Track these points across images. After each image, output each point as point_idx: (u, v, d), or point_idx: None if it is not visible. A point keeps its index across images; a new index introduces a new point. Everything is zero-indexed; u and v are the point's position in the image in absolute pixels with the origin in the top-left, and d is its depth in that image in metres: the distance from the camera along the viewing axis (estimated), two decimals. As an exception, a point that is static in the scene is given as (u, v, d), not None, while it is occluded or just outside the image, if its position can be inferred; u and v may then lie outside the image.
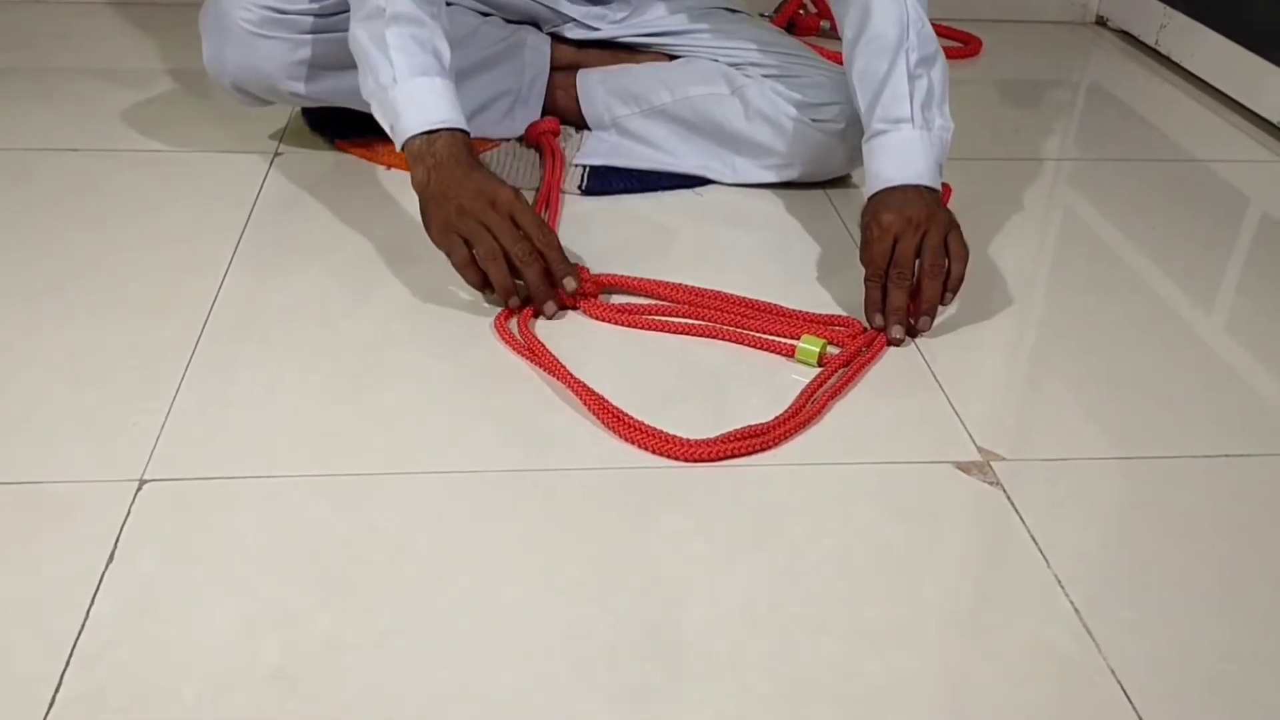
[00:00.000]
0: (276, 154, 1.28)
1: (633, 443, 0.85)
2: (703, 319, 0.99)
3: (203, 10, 1.17)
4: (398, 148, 1.02)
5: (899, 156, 1.03)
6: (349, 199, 1.19)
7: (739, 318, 0.99)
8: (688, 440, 0.85)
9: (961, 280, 1.00)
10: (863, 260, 1.01)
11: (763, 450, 0.85)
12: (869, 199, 1.04)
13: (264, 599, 0.70)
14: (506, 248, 0.96)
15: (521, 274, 0.98)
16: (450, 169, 0.99)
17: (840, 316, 1.01)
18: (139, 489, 0.78)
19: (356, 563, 0.73)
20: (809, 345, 0.94)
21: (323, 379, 0.91)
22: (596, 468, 0.82)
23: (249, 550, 0.73)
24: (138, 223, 1.12)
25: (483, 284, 0.99)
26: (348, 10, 1.17)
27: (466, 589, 0.71)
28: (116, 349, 0.93)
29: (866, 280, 1.00)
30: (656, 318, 0.99)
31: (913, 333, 0.99)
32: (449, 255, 0.98)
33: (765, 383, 0.92)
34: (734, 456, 0.84)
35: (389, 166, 1.25)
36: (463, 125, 1.01)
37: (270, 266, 1.06)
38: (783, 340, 0.97)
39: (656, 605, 0.71)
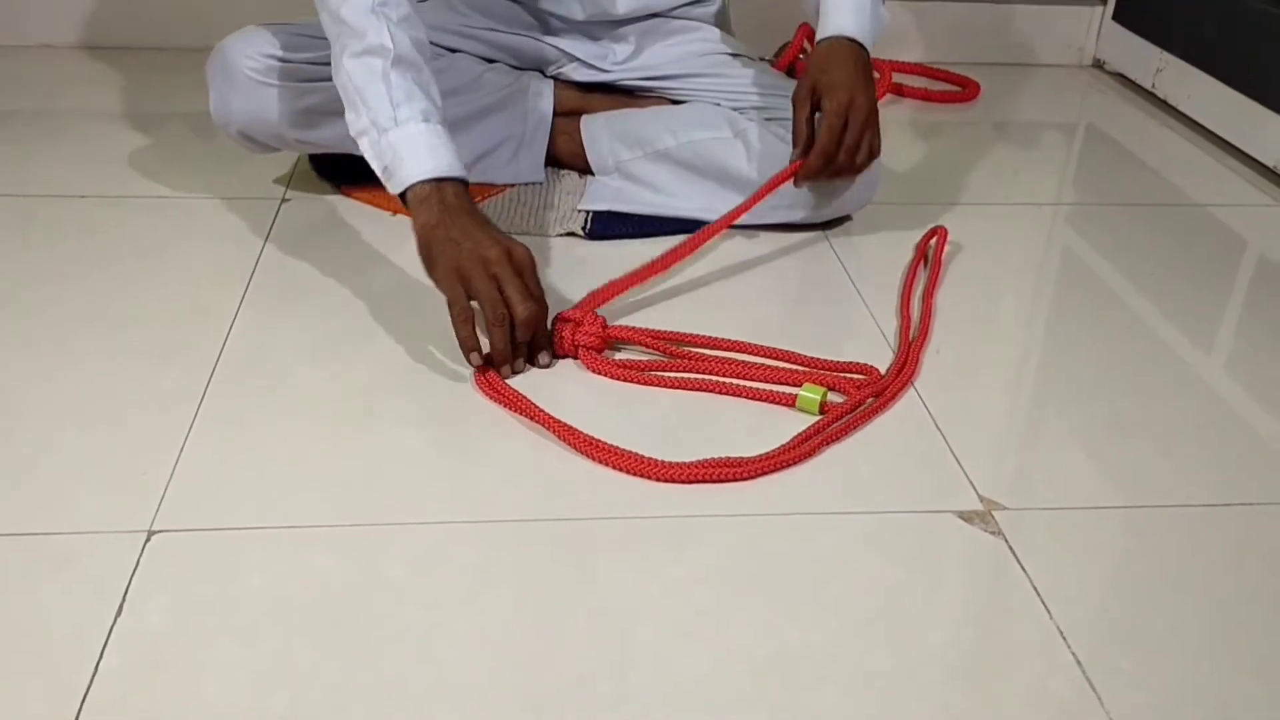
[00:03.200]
0: (284, 199, 1.29)
1: (608, 464, 0.87)
2: (713, 370, 1.00)
3: (208, 60, 1.19)
4: (393, 190, 1.01)
5: (853, 13, 1.19)
6: (356, 245, 1.20)
7: (753, 368, 1.00)
8: (663, 462, 0.87)
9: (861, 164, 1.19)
10: (799, 108, 1.19)
11: (740, 480, 0.87)
12: (820, 44, 1.19)
13: (272, 650, 0.70)
14: (513, 306, 0.96)
15: (514, 336, 0.97)
16: (462, 218, 0.99)
17: (857, 364, 1.02)
18: (148, 540, 0.78)
19: (363, 613, 0.73)
20: (810, 394, 0.95)
21: (330, 427, 0.91)
22: (600, 517, 0.83)
23: (257, 601, 0.74)
24: (145, 269, 1.13)
25: (473, 346, 0.97)
26: None
27: (472, 638, 0.72)
28: (125, 396, 0.93)
29: (823, 129, 1.16)
30: (657, 373, 1.00)
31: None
32: (450, 303, 0.97)
33: (768, 429, 0.93)
34: (709, 481, 0.86)
35: (395, 212, 1.26)
36: (467, 178, 1.02)
37: (278, 312, 1.07)
38: (784, 390, 0.97)
39: (660, 654, 0.71)
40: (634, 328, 1.04)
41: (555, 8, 1.31)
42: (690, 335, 1.04)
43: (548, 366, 1.00)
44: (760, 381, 0.99)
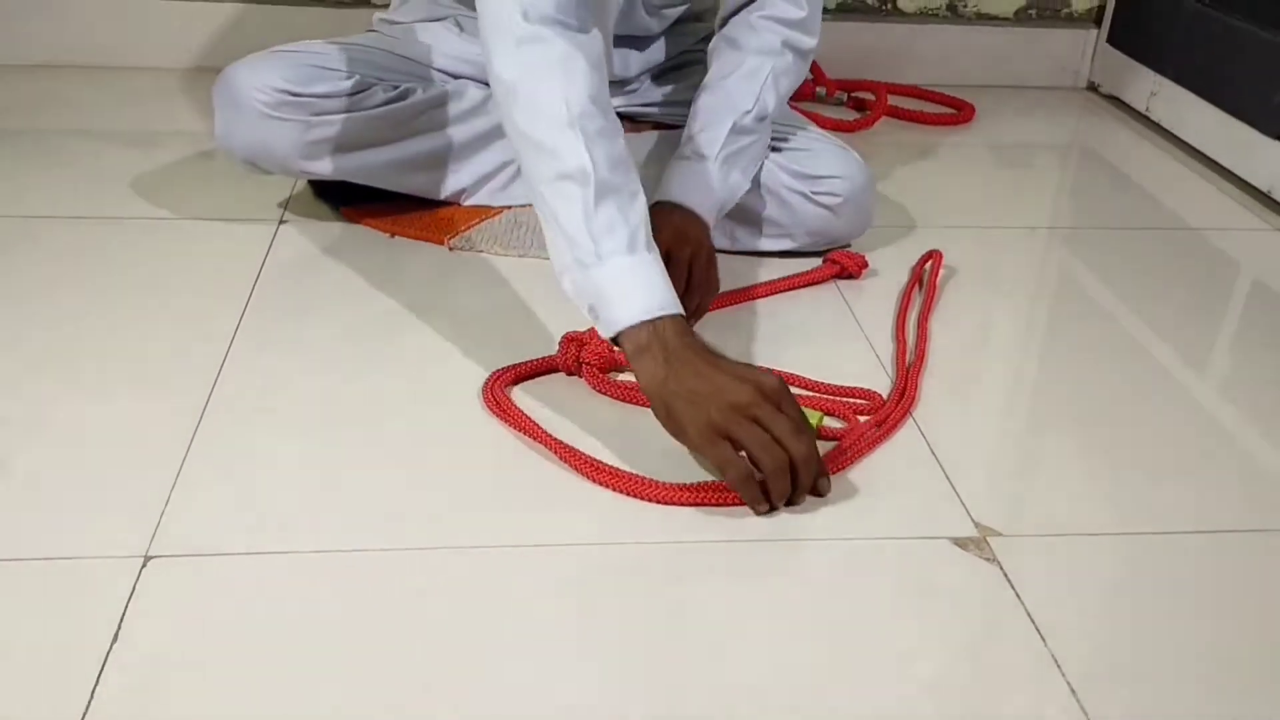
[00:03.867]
0: (282, 221, 1.29)
1: (608, 486, 0.88)
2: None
3: (216, 86, 1.19)
4: (603, 334, 0.92)
5: (693, 184, 1.14)
6: (354, 267, 1.20)
7: None
8: (661, 483, 0.87)
9: (703, 310, 1.12)
10: None
11: (738, 504, 0.86)
12: (654, 205, 1.11)
13: (269, 676, 0.70)
14: (790, 450, 0.84)
15: (795, 474, 0.86)
16: (692, 361, 0.88)
17: (860, 389, 1.02)
18: (144, 565, 0.78)
19: (360, 640, 0.73)
20: (807, 418, 0.95)
21: (328, 451, 0.91)
22: (599, 543, 0.83)
23: (254, 627, 0.74)
24: (143, 292, 1.14)
25: (763, 498, 0.86)
26: (361, 91, 1.19)
27: (469, 667, 0.72)
28: (121, 420, 0.93)
29: None
30: None
31: None
32: (723, 468, 0.86)
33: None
34: (707, 504, 0.86)
35: (393, 234, 1.27)
36: (680, 308, 0.91)
37: (275, 336, 1.07)
38: None
39: (659, 683, 0.72)
40: None
41: None
42: None
43: (828, 493, 0.88)
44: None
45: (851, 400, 1.01)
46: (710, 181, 1.14)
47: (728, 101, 1.16)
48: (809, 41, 1.20)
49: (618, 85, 1.33)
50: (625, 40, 1.30)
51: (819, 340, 1.12)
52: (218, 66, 1.21)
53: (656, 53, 1.34)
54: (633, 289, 0.89)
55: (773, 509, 0.86)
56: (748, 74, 1.16)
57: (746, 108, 1.15)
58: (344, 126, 1.19)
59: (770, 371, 0.88)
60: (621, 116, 1.34)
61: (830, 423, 0.98)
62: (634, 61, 1.32)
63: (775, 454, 0.84)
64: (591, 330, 1.02)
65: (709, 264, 1.12)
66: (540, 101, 0.93)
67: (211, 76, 1.21)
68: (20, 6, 1.74)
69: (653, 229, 1.05)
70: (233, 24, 1.76)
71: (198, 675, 0.70)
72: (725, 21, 1.22)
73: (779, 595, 0.79)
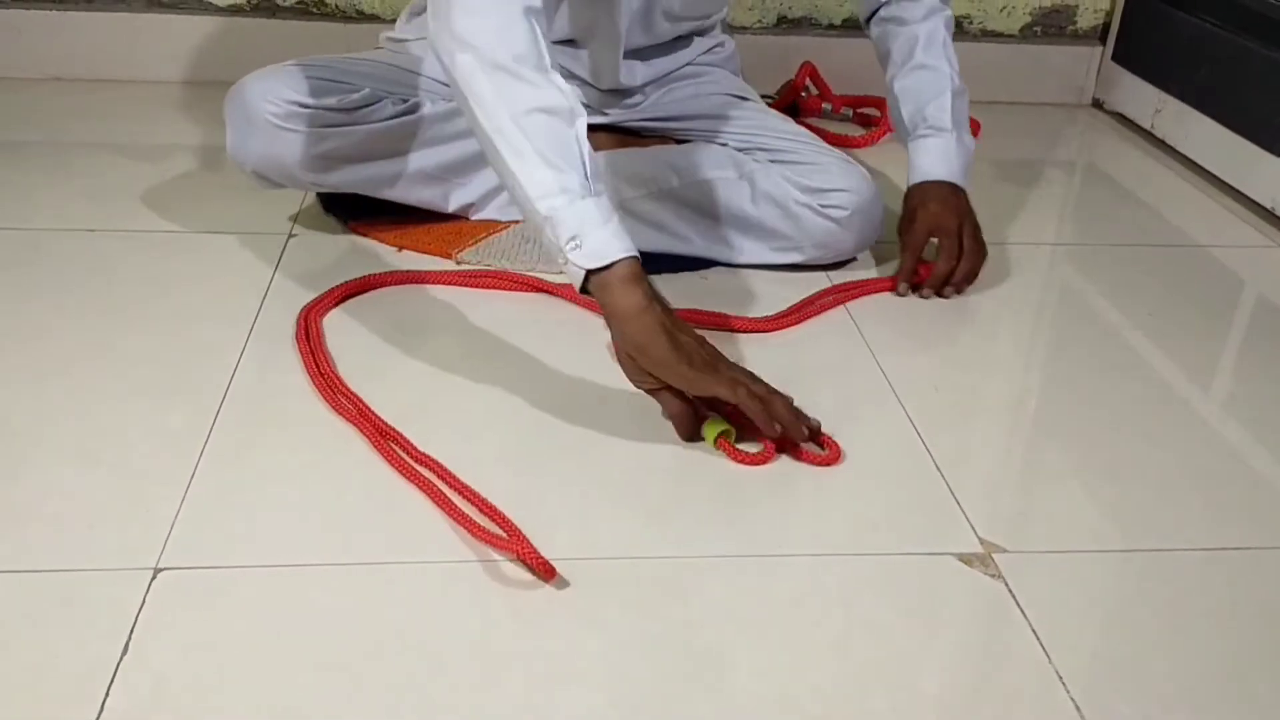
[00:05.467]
0: (291, 235, 1.30)
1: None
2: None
3: (228, 99, 1.20)
4: (586, 264, 0.91)
5: (940, 157, 1.25)
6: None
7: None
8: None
9: (975, 275, 1.25)
10: (904, 236, 1.25)
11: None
12: (912, 187, 1.26)
13: (277, 689, 0.71)
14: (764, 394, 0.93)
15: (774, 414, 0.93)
16: (663, 305, 0.94)
17: (826, 438, 0.98)
18: (153, 577, 0.79)
19: (367, 654, 0.74)
20: (711, 427, 0.96)
21: (338, 465, 0.92)
22: (602, 558, 0.84)
23: (263, 640, 0.74)
24: (152, 305, 1.14)
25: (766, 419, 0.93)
26: (370, 105, 1.20)
27: (474, 681, 0.72)
28: (130, 434, 0.94)
29: (904, 252, 1.25)
30: None
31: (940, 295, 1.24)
32: (733, 388, 0.93)
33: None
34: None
35: (400, 248, 1.28)
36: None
37: (285, 349, 1.07)
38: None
39: (662, 697, 0.72)
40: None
41: (578, 71, 1.32)
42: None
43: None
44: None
45: (812, 446, 0.97)
46: (953, 150, 1.25)
47: (933, 74, 1.26)
48: None
49: (622, 95, 1.34)
50: (632, 52, 1.31)
51: (820, 357, 1.12)
52: (227, 81, 1.22)
53: (661, 65, 1.35)
54: (620, 230, 0.93)
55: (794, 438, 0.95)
56: (929, 41, 1.28)
57: (950, 70, 1.27)
58: (352, 140, 1.20)
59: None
60: (626, 131, 1.36)
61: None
62: (640, 72, 1.33)
63: (760, 386, 0.94)
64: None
65: (976, 231, 1.24)
66: (508, 38, 0.93)
67: (221, 91, 1.22)
68: (30, 21, 1.75)
69: (917, 206, 1.25)
70: (242, 39, 1.78)
71: (208, 688, 0.71)
72: (873, 14, 1.32)
73: (784, 610, 0.80)
